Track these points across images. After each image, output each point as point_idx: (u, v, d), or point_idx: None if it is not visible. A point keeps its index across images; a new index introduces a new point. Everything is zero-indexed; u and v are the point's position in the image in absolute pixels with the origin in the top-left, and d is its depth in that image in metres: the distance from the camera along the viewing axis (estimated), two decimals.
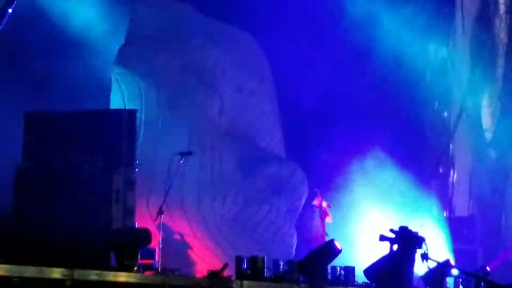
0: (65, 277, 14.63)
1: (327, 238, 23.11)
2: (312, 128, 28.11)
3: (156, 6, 25.80)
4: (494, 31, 34.21)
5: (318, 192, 24.96)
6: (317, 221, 24.44)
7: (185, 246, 22.52)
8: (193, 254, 21.72)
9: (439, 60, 31.36)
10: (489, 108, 32.29)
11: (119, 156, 17.61)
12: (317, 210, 24.60)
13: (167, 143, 21.99)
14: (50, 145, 17.78)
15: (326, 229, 24.53)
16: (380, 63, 28.96)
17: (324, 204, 24.69)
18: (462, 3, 32.88)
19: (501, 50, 33.79)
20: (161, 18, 25.51)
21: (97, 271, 15.54)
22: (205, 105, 26.22)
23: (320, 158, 28.51)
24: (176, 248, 20.02)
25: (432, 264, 21.94)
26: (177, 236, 20.05)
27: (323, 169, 28.57)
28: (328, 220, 24.54)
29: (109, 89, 24.00)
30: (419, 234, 19.68)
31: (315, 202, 24.77)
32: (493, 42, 34.08)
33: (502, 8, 34.16)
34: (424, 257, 20.70)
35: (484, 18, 33.89)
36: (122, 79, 24.59)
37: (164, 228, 18.02)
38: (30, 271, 14.36)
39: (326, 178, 28.21)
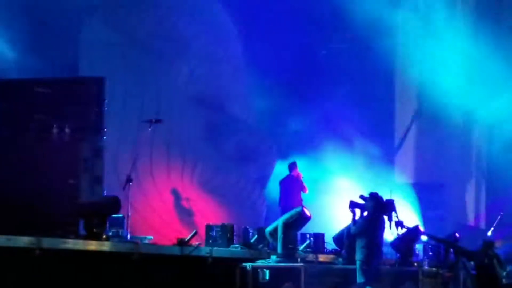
0: (34, 246, 14.55)
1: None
2: (283, 96, 28.13)
3: None
4: None
5: (296, 163, 25.01)
6: (295, 190, 24.49)
7: (154, 214, 22.52)
8: (162, 222, 21.73)
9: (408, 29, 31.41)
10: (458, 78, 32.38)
11: (87, 124, 17.54)
12: (295, 180, 24.64)
13: (135, 110, 21.90)
14: (21, 112, 17.67)
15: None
16: (351, 31, 29.02)
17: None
18: None
19: None
20: None
21: (66, 240, 15.51)
22: (173, 72, 26.17)
23: (289, 126, 28.63)
24: (145, 216, 19.99)
25: (401, 231, 22.11)
26: (146, 204, 20.02)
27: (292, 138, 28.67)
28: (304, 190, 24.62)
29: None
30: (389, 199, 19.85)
31: (294, 173, 24.82)
32: None
33: None
34: (399, 224, 20.85)
35: None
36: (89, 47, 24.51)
37: (133, 196, 17.95)
38: None
39: (296, 147, 28.32)
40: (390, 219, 20.21)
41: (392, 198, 23.71)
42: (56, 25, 23.38)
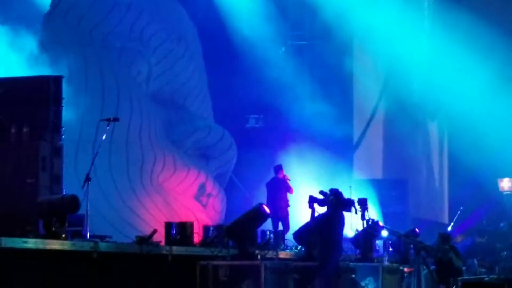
0: None
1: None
2: (242, 96, 28.22)
3: None
4: None
5: (281, 166, 25.15)
6: (281, 192, 24.64)
7: (114, 212, 22.51)
8: (121, 220, 21.75)
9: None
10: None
11: (45, 123, 17.52)
12: (281, 182, 24.77)
13: (95, 109, 21.91)
14: None
15: None
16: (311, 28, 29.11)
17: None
18: None
19: None
20: None
21: (25, 239, 15.46)
22: (133, 71, 26.19)
23: (249, 124, 28.73)
24: (105, 214, 20.01)
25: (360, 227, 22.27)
26: (105, 203, 20.03)
27: (251, 136, 28.78)
28: (290, 191, 24.82)
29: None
30: (349, 197, 19.96)
31: (280, 175, 24.96)
32: None
33: None
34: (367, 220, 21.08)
35: None
36: (49, 46, 24.45)
37: (92, 194, 17.95)
38: None
39: (255, 145, 28.44)
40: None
41: (352, 194, 23.99)
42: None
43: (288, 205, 23.78)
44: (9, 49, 22.70)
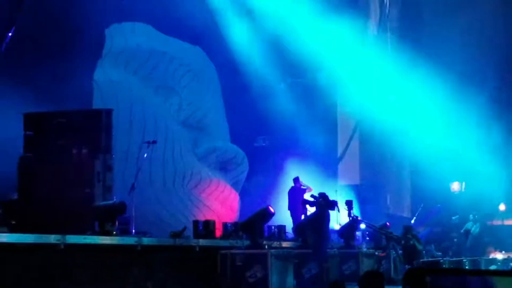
0: (59, 242, 14.44)
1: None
2: (252, 121, 28.07)
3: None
4: None
5: (299, 178, 24.95)
6: (298, 198, 24.37)
7: (153, 213, 22.34)
8: (159, 220, 21.59)
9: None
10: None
11: (99, 146, 17.46)
12: (298, 190, 24.56)
13: (138, 133, 21.79)
14: (45, 138, 17.58)
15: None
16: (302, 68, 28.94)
17: (304, 185, 24.72)
18: None
19: None
20: (129, 36, 25.24)
21: (84, 236, 15.41)
22: (167, 103, 26.09)
23: (258, 143, 28.62)
24: (147, 215, 19.84)
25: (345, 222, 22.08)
26: (147, 207, 19.91)
27: (259, 153, 28.68)
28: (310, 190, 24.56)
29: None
30: (334, 199, 19.83)
31: (297, 185, 24.78)
32: None
33: None
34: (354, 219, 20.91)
35: None
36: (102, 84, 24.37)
37: (136, 200, 17.82)
38: (30, 238, 14.16)
39: (262, 160, 28.33)
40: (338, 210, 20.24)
41: (338, 197, 23.83)
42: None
43: (305, 208, 23.31)
44: None
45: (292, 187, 24.83)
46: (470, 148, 33.14)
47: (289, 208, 24.37)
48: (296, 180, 24.84)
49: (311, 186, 24.64)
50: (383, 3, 33.17)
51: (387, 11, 33.15)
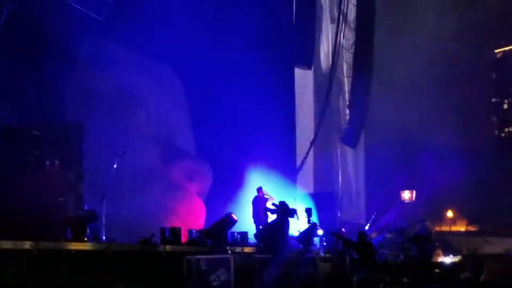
0: (32, 248, 14.41)
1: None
2: (217, 134, 28.11)
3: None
4: None
5: (262, 187, 24.94)
6: (261, 206, 24.32)
7: (124, 221, 22.27)
8: (129, 227, 21.50)
9: None
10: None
11: (71, 157, 17.44)
12: (261, 199, 24.56)
13: (108, 146, 21.73)
14: (20, 150, 17.52)
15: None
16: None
17: (267, 195, 24.74)
18: None
19: None
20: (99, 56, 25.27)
21: (56, 242, 15.37)
22: (136, 118, 26.11)
23: (221, 156, 28.66)
24: (117, 223, 19.78)
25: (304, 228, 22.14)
26: (116, 214, 19.84)
27: (223, 164, 28.72)
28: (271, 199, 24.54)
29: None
30: (293, 207, 19.89)
31: (260, 194, 24.75)
32: None
33: None
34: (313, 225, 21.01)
35: None
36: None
37: (107, 208, 17.79)
38: (6, 244, 14.11)
39: (226, 171, 28.38)
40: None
41: (297, 203, 23.92)
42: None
43: (267, 216, 23.29)
44: None
45: (256, 196, 24.87)
46: (420, 156, 33.43)
47: (253, 216, 24.42)
48: (259, 189, 24.89)
49: (272, 196, 24.72)
50: None
51: None
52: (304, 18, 31.19)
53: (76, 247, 15.72)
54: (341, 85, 35.21)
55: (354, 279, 20.40)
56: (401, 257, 29.33)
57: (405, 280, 19.93)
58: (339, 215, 31.50)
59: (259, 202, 24.48)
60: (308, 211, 23.74)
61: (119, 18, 24.83)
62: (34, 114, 19.84)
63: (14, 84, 20.60)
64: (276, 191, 25.40)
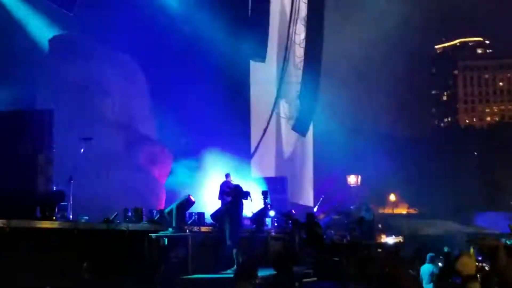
0: (4, 225, 14.50)
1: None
2: (177, 121, 28.25)
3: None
4: None
5: (229, 174, 24.95)
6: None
7: (89, 201, 22.36)
8: (94, 207, 21.64)
9: None
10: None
11: (42, 142, 17.53)
12: (228, 184, 24.52)
13: (76, 132, 21.82)
14: None
15: None
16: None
17: (232, 181, 24.76)
18: None
19: None
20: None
21: (27, 220, 15.48)
22: (101, 105, 26.19)
23: (181, 139, 28.81)
24: (83, 203, 19.92)
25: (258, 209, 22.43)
26: (83, 195, 19.97)
27: (183, 147, 28.86)
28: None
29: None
30: (246, 189, 20.13)
31: (228, 179, 24.66)
32: None
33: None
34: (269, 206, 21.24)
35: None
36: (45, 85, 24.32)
37: (74, 189, 17.92)
38: None
39: (185, 154, 28.52)
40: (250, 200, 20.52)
41: (251, 188, 24.18)
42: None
43: (224, 199, 23.28)
44: None
45: (224, 181, 24.99)
46: (365, 142, 33.89)
47: (219, 198, 24.55)
48: (227, 175, 24.90)
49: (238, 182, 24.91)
50: None
51: None
52: (259, 13, 31.41)
53: (45, 225, 15.79)
54: (292, 76, 35.57)
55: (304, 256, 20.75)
56: (348, 237, 29.88)
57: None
58: (289, 197, 31.87)
59: (225, 186, 24.72)
60: (264, 194, 24.03)
61: (86, 12, 24.88)
62: (5, 102, 19.87)
63: None
64: (232, 174, 25.67)
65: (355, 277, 18.81)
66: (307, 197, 36.19)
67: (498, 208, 57.98)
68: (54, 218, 16.49)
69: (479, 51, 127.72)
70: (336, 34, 35.64)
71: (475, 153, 74.02)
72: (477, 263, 11.58)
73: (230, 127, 29.08)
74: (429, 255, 20.36)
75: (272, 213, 24.37)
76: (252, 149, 32.22)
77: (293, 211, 25.13)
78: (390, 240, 29.30)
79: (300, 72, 35.01)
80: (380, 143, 36.85)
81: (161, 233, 18.29)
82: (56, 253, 15.68)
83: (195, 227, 19.62)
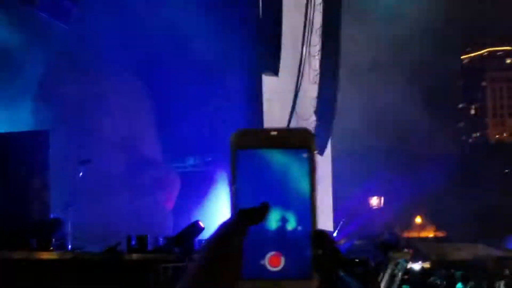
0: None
1: None
2: (181, 140, 28.15)
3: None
4: None
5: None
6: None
7: (90, 229, 22.23)
8: (95, 236, 21.48)
9: None
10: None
11: (37, 165, 17.42)
12: None
13: (74, 154, 21.72)
14: None
15: None
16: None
17: None
18: None
19: None
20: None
21: (21, 252, 15.33)
22: (101, 125, 26.15)
23: (187, 162, 28.70)
24: (83, 231, 19.78)
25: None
26: (83, 222, 19.82)
27: (190, 174, 28.76)
28: None
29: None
30: None
31: None
32: None
33: None
34: None
35: None
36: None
37: (72, 216, 17.77)
38: None
39: (193, 181, 28.41)
40: None
41: None
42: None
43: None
44: None
45: None
46: (388, 163, 33.73)
47: None
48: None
49: None
50: None
51: None
52: (271, 23, 31.30)
53: (41, 256, 15.63)
54: (308, 91, 35.44)
55: None
56: (372, 263, 29.66)
57: None
58: None
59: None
60: None
61: (82, 27, 24.84)
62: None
63: None
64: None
65: None
66: (326, 222, 36.00)
67: None
68: (52, 248, 16.31)
69: (508, 61, 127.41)
70: (354, 47, 35.56)
71: (506, 170, 73.58)
72: None
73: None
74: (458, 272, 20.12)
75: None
76: None
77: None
78: (417, 265, 28.97)
79: (316, 87, 34.87)
80: (404, 161, 36.67)
81: (167, 263, 18.07)
82: (56, 286, 15.51)
83: None
